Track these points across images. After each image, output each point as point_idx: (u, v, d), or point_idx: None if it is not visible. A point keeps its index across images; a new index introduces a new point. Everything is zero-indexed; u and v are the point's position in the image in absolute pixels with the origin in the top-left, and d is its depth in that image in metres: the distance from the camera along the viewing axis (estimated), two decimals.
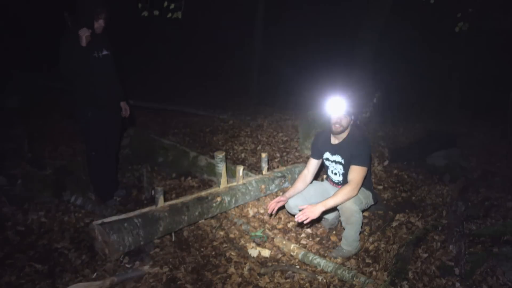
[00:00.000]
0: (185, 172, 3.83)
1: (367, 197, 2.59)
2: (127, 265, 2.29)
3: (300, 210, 2.30)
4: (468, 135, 5.27)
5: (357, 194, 2.40)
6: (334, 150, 2.60)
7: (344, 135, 2.55)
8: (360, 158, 2.41)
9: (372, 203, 2.70)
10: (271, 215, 2.85)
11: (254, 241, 2.65)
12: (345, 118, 2.46)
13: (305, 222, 2.24)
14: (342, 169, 2.58)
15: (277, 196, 3.31)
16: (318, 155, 2.74)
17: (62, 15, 2.75)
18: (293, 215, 2.87)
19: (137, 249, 2.39)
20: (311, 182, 2.85)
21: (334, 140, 2.60)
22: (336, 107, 2.46)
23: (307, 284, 2.18)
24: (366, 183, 2.55)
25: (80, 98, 2.85)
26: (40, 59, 7.48)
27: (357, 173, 2.39)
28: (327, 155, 2.67)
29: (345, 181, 2.55)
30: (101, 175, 3.12)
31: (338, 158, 2.58)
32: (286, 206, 2.72)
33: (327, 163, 2.71)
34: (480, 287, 2.13)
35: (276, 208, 2.60)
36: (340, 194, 2.33)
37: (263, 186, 3.12)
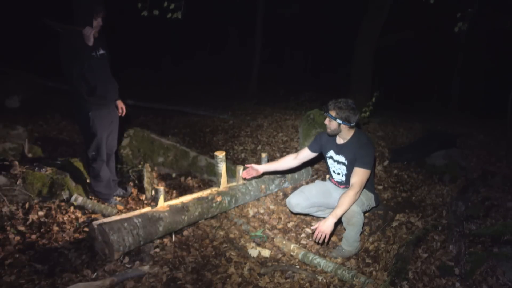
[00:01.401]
0: (185, 172, 3.83)
1: (369, 199, 2.59)
2: (127, 265, 2.28)
3: (302, 213, 2.28)
4: (468, 135, 5.26)
5: (359, 196, 2.41)
6: (339, 149, 2.61)
7: (348, 136, 2.55)
8: (363, 161, 2.41)
9: (374, 205, 2.70)
10: (295, 214, 2.94)
11: (254, 241, 2.65)
12: (330, 122, 2.51)
13: (326, 240, 2.25)
14: (345, 170, 2.59)
15: (277, 196, 3.32)
16: (317, 149, 2.76)
17: (42, 22, 2.70)
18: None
19: (137, 249, 2.39)
20: (314, 182, 2.86)
21: (339, 140, 2.61)
22: (324, 113, 2.56)
23: (307, 284, 2.18)
24: (368, 185, 2.55)
25: (81, 98, 2.85)
26: (40, 60, 7.48)
27: (359, 175, 2.39)
28: (331, 153, 2.67)
29: (347, 182, 2.56)
30: (100, 175, 3.12)
31: (341, 158, 2.59)
32: (287, 204, 2.73)
33: (330, 161, 2.71)
34: (480, 287, 2.13)
35: (249, 176, 2.78)
36: (346, 200, 2.32)
37: (263, 186, 3.12)
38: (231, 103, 7.94)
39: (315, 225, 2.27)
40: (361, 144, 2.48)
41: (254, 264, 2.38)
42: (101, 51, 2.87)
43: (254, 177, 2.98)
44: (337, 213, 2.29)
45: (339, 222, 2.88)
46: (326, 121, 2.54)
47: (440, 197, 3.34)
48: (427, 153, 4.23)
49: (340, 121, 2.45)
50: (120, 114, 3.15)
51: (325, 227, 2.22)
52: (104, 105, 2.94)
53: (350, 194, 2.34)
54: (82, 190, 3.26)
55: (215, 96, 8.81)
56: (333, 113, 2.46)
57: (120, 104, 3.12)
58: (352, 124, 2.48)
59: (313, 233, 2.28)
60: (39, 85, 6.49)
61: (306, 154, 2.80)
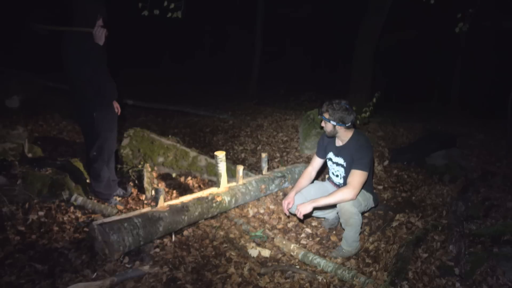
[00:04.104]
0: (185, 172, 3.83)
1: (367, 200, 2.59)
2: (127, 265, 2.28)
3: (294, 212, 2.34)
4: (468, 135, 5.26)
5: (354, 197, 2.40)
6: (338, 152, 2.61)
7: (347, 138, 2.55)
8: (361, 162, 2.41)
9: (373, 205, 2.70)
10: (288, 216, 2.94)
11: (254, 241, 2.65)
12: (326, 125, 2.53)
13: (298, 216, 2.36)
14: (344, 171, 2.59)
15: (277, 196, 3.32)
16: (323, 154, 2.77)
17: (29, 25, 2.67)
18: (293, 215, 2.88)
19: (137, 249, 2.39)
20: (312, 182, 2.86)
21: (338, 142, 2.61)
22: (319, 115, 2.57)
23: (307, 284, 2.18)
24: (367, 185, 2.55)
25: (85, 99, 2.84)
26: (40, 59, 7.48)
27: (356, 177, 2.39)
28: (330, 155, 2.68)
29: (345, 184, 2.55)
30: (100, 175, 3.12)
31: (340, 160, 2.59)
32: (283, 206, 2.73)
33: (329, 163, 2.72)
34: (480, 287, 2.13)
35: (288, 208, 2.65)
36: (335, 194, 2.37)
37: (263, 186, 3.12)
38: (231, 103, 7.94)
39: (297, 203, 2.40)
40: (358, 146, 2.47)
41: (254, 264, 2.38)
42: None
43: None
44: (319, 201, 2.38)
45: (338, 223, 2.90)
46: (322, 124, 2.56)
47: (440, 197, 3.34)
48: (427, 153, 4.23)
49: (334, 123, 2.46)
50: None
51: (302, 206, 2.35)
52: (107, 105, 2.94)
53: (343, 190, 2.37)
54: (82, 190, 3.26)
55: (215, 96, 8.81)
56: (326, 115, 2.48)
57: (115, 104, 3.13)
58: (347, 125, 2.47)
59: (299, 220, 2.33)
60: (39, 85, 6.49)
61: (318, 162, 2.82)
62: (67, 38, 2.67)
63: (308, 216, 2.71)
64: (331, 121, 2.47)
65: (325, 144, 2.73)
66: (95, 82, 2.78)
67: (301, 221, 2.78)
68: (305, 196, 2.65)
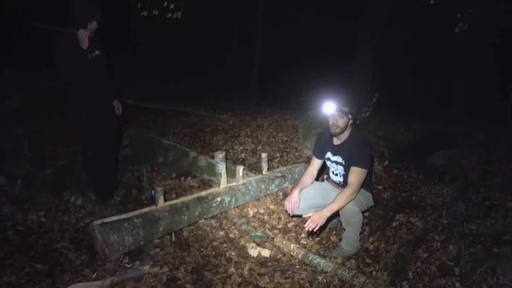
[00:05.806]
0: (185, 172, 3.83)
1: (367, 198, 2.59)
2: (127, 265, 2.28)
3: (300, 215, 2.27)
4: (468, 135, 5.26)
5: (358, 196, 2.41)
6: (335, 150, 2.60)
7: (345, 136, 2.54)
8: (361, 160, 2.40)
9: (372, 204, 2.70)
10: (294, 215, 2.81)
11: (254, 241, 2.65)
12: (340, 119, 2.44)
13: (315, 230, 2.24)
14: (343, 170, 2.58)
15: (277, 196, 3.32)
16: (321, 155, 2.74)
17: (30, 24, 2.66)
18: (292, 216, 2.87)
19: (137, 249, 2.39)
20: (311, 183, 2.86)
21: (336, 141, 2.60)
22: (329, 108, 2.44)
23: (307, 284, 2.18)
24: (366, 184, 2.55)
25: (74, 99, 2.84)
26: (40, 59, 7.47)
27: (357, 175, 2.38)
28: (328, 155, 2.67)
29: (345, 182, 2.55)
30: (98, 175, 3.11)
31: (339, 159, 2.58)
32: (286, 206, 2.72)
33: (328, 163, 2.71)
34: (480, 287, 2.13)
35: (294, 207, 2.57)
36: (342, 197, 2.34)
37: (263, 186, 3.12)
38: (231, 103, 7.94)
39: (308, 214, 2.27)
40: (357, 143, 2.47)
41: (254, 264, 2.38)
42: (97, 52, 2.86)
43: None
44: (332, 207, 2.30)
45: (333, 217, 2.89)
46: (334, 120, 2.45)
47: (440, 197, 3.34)
48: (427, 153, 4.23)
49: (351, 117, 2.44)
50: (117, 114, 3.14)
51: (317, 217, 2.22)
52: (97, 106, 2.92)
53: (347, 192, 2.35)
54: (82, 190, 3.27)
55: (215, 96, 8.80)
56: (346, 109, 2.41)
57: (117, 103, 3.11)
58: (353, 119, 2.48)
59: (309, 231, 2.28)
60: (39, 85, 6.49)
61: (316, 163, 2.78)
62: (56, 38, 2.66)
63: (323, 227, 2.60)
64: (348, 115, 2.42)
65: (322, 144, 2.71)
66: (82, 83, 2.77)
67: (312, 233, 2.57)
68: (304, 197, 2.65)
